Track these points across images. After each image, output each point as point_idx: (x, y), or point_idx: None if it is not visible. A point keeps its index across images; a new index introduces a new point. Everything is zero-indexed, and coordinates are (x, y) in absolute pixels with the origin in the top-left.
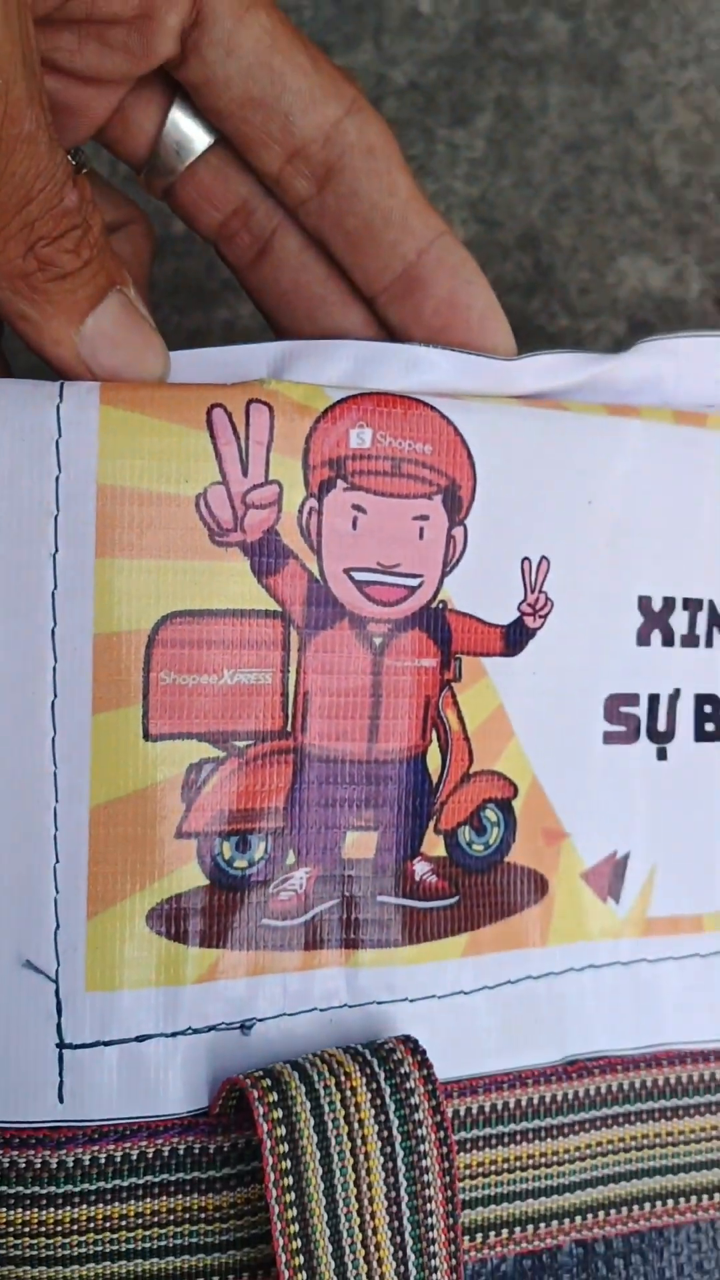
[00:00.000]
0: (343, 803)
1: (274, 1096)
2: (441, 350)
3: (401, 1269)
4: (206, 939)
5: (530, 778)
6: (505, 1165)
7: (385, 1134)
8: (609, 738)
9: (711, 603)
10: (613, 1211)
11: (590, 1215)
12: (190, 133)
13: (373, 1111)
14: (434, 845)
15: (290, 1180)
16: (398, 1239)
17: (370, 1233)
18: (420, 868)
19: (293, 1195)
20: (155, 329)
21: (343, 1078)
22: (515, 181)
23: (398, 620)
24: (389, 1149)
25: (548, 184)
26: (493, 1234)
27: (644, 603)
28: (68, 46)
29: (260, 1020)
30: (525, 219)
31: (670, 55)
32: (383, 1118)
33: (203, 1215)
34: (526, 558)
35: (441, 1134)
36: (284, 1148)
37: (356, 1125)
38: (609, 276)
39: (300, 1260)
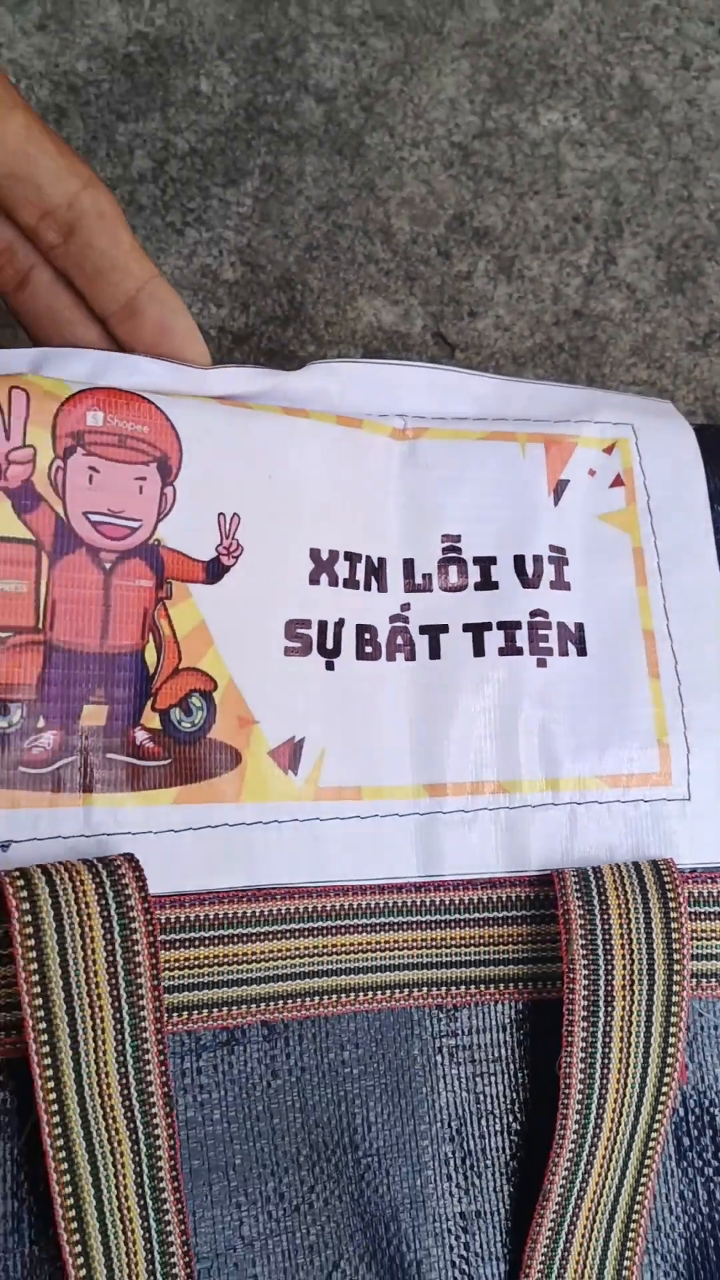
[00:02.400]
0: (81, 682)
1: (24, 887)
2: (154, 360)
3: (118, 1027)
4: None
5: (227, 677)
6: (200, 961)
7: (108, 924)
8: (288, 651)
9: (368, 556)
10: (287, 1001)
11: (270, 1003)
12: None
13: (99, 906)
14: (151, 719)
15: (33, 954)
16: (116, 1006)
17: (96, 998)
18: (140, 735)
19: (35, 966)
20: None
21: (78, 878)
22: (276, 234)
23: (122, 551)
24: (110, 935)
25: (302, 237)
26: (192, 1012)
27: (314, 553)
28: None
29: (16, 841)
30: (283, 264)
31: (405, 136)
32: (106, 910)
33: None
34: (222, 513)
35: (149, 929)
36: (29, 928)
37: (87, 915)
38: (349, 313)
39: (41, 1016)
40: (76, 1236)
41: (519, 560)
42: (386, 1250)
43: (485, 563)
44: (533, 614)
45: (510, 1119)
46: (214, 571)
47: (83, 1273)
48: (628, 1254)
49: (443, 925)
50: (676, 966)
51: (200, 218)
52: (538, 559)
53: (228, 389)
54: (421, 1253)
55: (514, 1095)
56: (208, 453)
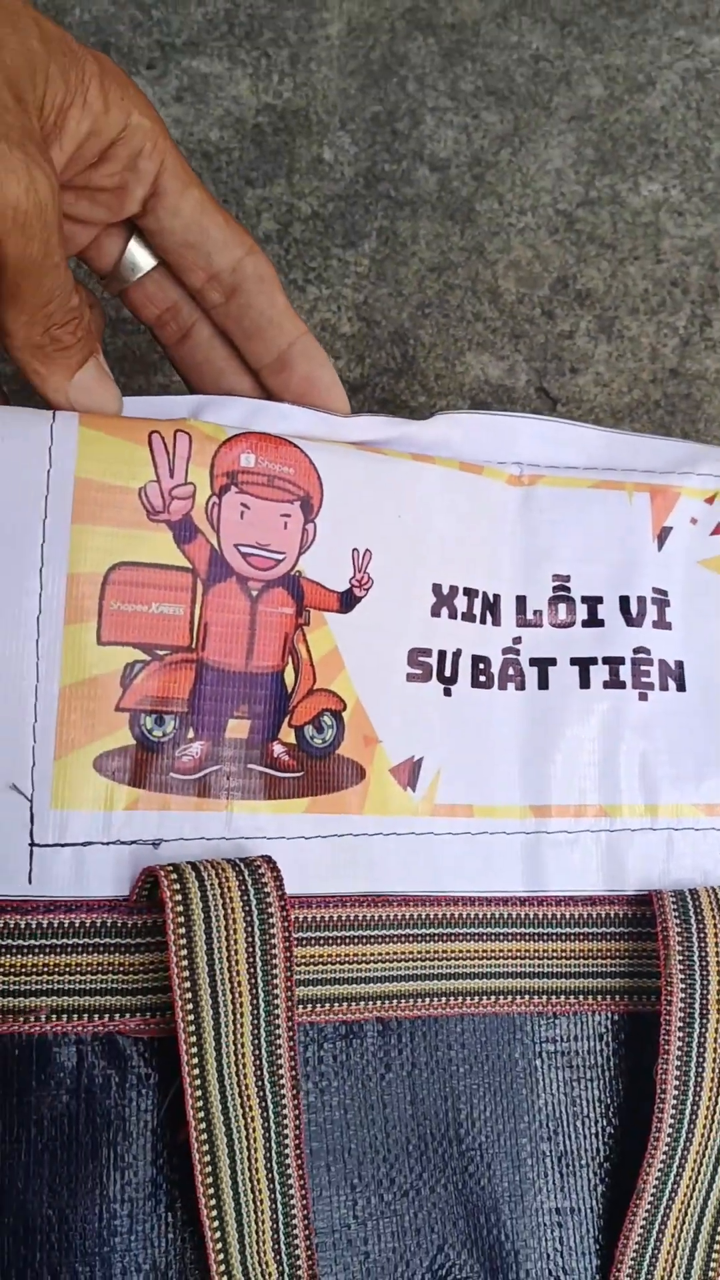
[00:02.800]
0: (227, 698)
1: (176, 880)
2: (301, 408)
3: (255, 1013)
4: (133, 781)
5: (355, 698)
6: (324, 959)
7: (249, 919)
8: (410, 678)
9: (484, 592)
10: (402, 1000)
11: (386, 1001)
12: (140, 259)
13: (242, 901)
14: (287, 734)
15: (184, 942)
16: (254, 994)
17: (236, 985)
18: (277, 748)
19: (185, 953)
20: (114, 381)
21: (224, 875)
22: (391, 292)
23: (268, 580)
24: (250, 929)
25: (415, 295)
26: (316, 1005)
27: (436, 588)
28: (69, 202)
29: (166, 841)
30: (397, 320)
31: (513, 204)
32: (248, 906)
33: (121, 968)
34: (356, 548)
35: (285, 925)
36: (181, 917)
37: (231, 910)
38: (458, 367)
39: (189, 999)
40: (213, 1201)
41: (624, 600)
42: (487, 1238)
43: (592, 602)
44: (636, 651)
45: (605, 1122)
46: (347, 602)
47: (217, 1235)
48: (715, 1253)
49: (546, 938)
50: None
51: (321, 276)
52: (641, 600)
53: (364, 435)
54: (519, 1243)
55: (609, 1100)
56: (345, 493)
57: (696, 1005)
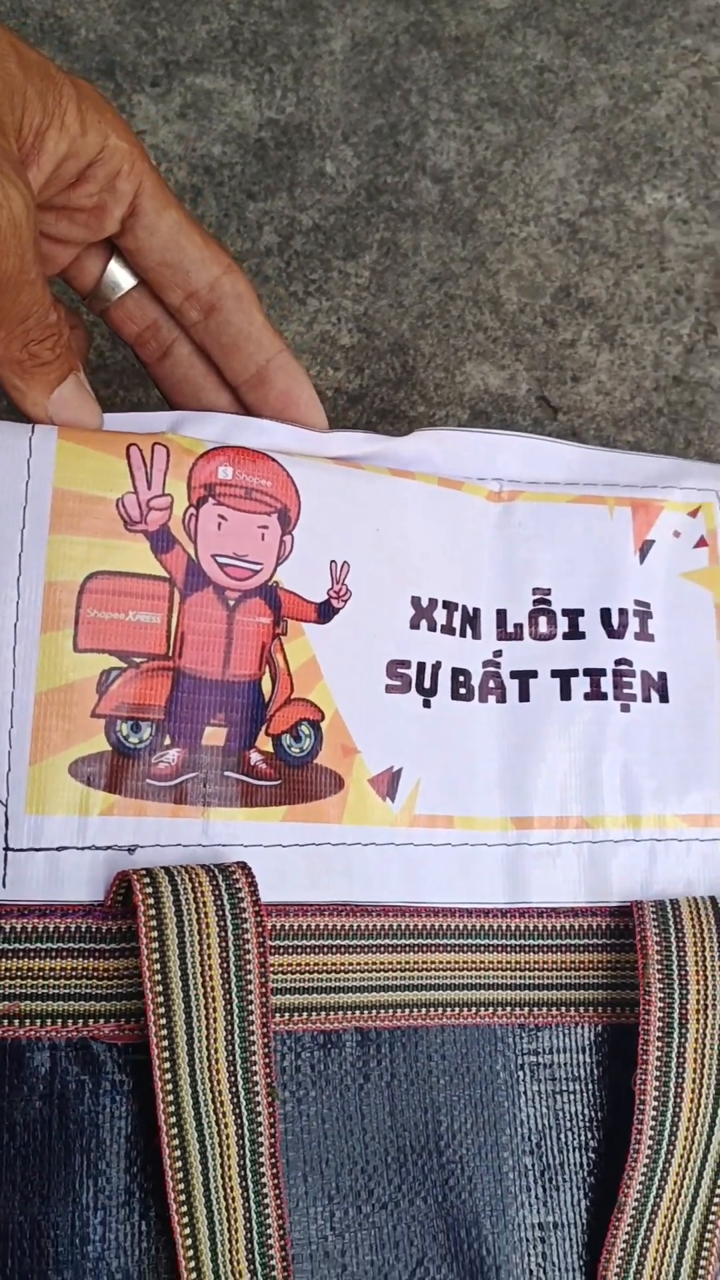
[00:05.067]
0: (204, 706)
1: (149, 885)
2: (279, 424)
3: (229, 1019)
4: (108, 787)
5: (334, 709)
6: (302, 967)
7: (223, 924)
8: (389, 689)
9: (464, 606)
10: (381, 1011)
11: (365, 1011)
12: (120, 278)
13: (215, 906)
14: (265, 743)
15: (156, 946)
16: (228, 1000)
17: (210, 990)
18: (254, 756)
19: (157, 957)
20: (94, 397)
21: (197, 880)
22: (391, 303)
23: (245, 590)
24: (224, 935)
25: (415, 306)
26: (293, 1014)
27: (415, 600)
28: (49, 221)
29: (142, 846)
30: (397, 331)
31: (515, 214)
32: (221, 911)
33: (95, 973)
34: (334, 560)
35: (259, 930)
36: (153, 922)
37: (204, 915)
38: (458, 377)
39: (161, 1004)
40: (184, 1209)
41: (605, 613)
42: (467, 1253)
43: (573, 614)
44: (617, 662)
45: (588, 1136)
46: (325, 612)
47: (189, 1244)
48: (701, 1269)
49: (527, 949)
50: None
51: (321, 288)
52: (623, 612)
53: (342, 451)
54: (501, 1258)
55: (592, 1114)
56: (323, 506)
57: (675, 1015)
